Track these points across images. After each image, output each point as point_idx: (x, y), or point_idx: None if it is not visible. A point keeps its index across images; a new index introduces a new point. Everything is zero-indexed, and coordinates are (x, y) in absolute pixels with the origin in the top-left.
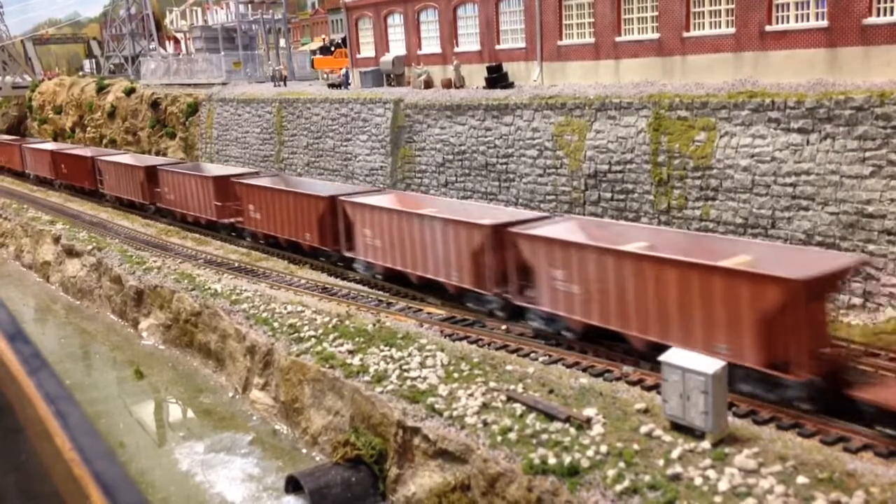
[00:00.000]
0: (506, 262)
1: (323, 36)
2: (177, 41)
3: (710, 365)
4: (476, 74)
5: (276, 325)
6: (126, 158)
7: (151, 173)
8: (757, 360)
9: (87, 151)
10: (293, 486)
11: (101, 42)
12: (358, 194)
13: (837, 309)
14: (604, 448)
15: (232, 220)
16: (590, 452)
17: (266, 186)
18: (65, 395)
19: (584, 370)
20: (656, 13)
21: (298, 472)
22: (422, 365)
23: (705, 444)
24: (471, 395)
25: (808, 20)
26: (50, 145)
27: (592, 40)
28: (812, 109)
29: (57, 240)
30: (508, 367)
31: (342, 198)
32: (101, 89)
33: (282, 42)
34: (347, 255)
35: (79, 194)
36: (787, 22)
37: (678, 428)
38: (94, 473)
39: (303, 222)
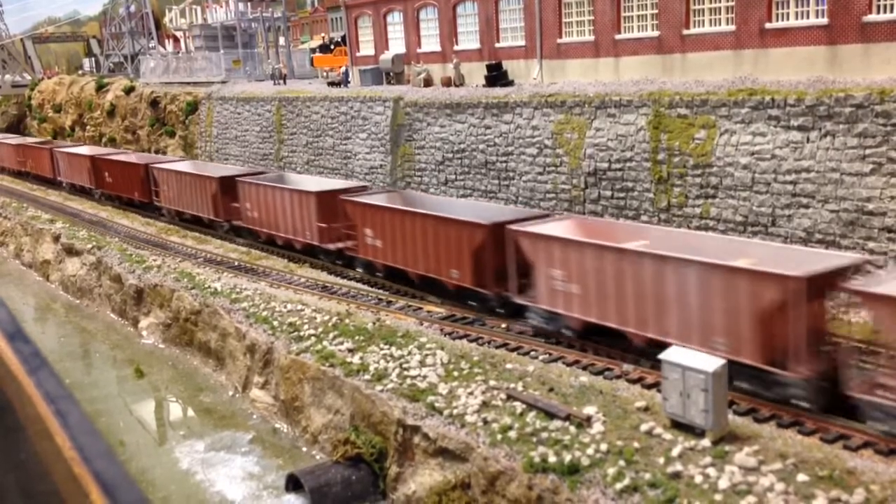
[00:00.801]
0: (822, 329)
1: (322, 34)
2: (176, 39)
3: (710, 363)
4: (476, 72)
5: (275, 323)
6: (187, 166)
7: (228, 185)
8: None
9: (133, 157)
10: (293, 484)
11: (100, 40)
12: (530, 221)
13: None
14: (604, 446)
15: (339, 245)
16: (590, 451)
17: (393, 208)
18: (64, 393)
19: (584, 368)
20: (656, 11)
21: (299, 471)
22: (422, 363)
23: (705, 442)
24: (471, 393)
25: (807, 17)
26: (87, 149)
27: (592, 38)
28: (812, 107)
29: (57, 238)
30: (508, 366)
31: (514, 227)
32: (101, 88)
33: (281, 40)
34: (519, 301)
35: (127, 207)
36: (787, 19)
37: (678, 426)
38: (93, 472)
39: (448, 255)
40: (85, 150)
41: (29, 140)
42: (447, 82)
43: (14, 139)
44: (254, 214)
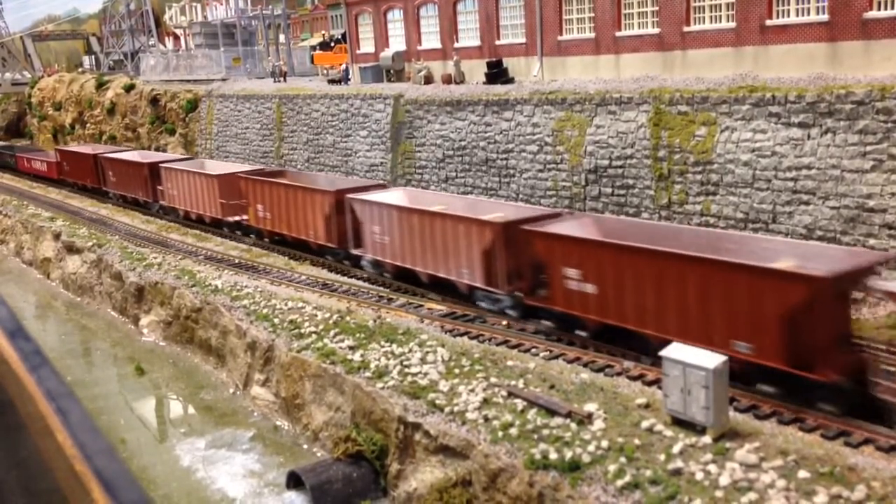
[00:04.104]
0: None
1: (323, 31)
2: (176, 37)
3: (711, 359)
4: (476, 70)
5: (276, 321)
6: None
7: None
8: None
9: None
10: (294, 481)
11: (100, 38)
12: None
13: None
14: (605, 443)
15: None
16: (591, 448)
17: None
18: (66, 391)
19: (585, 365)
20: (656, 8)
21: (300, 468)
22: (423, 361)
23: (706, 439)
24: (472, 390)
25: (808, 14)
26: (402, 195)
27: (592, 35)
28: (813, 104)
29: (57, 236)
30: (509, 363)
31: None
32: (101, 86)
33: (281, 38)
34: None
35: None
36: (788, 16)
37: (679, 423)
38: (95, 470)
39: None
40: (398, 194)
41: (241, 169)
42: (447, 80)
43: (191, 164)
44: None
